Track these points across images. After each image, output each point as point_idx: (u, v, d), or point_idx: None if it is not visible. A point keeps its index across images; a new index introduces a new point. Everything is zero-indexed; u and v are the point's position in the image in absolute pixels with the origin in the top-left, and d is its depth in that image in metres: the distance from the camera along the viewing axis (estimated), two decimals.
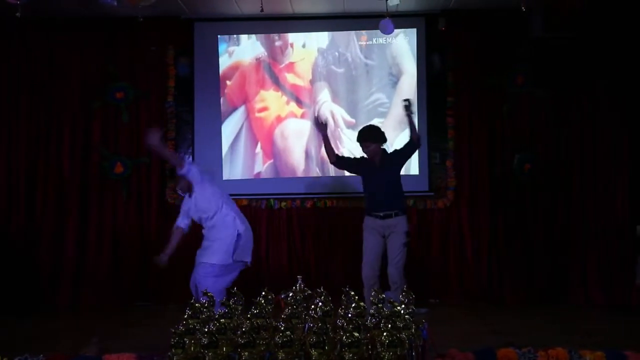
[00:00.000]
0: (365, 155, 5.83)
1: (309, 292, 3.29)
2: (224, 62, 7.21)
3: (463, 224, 7.10)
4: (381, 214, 5.70)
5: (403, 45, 7.09)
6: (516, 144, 7.08)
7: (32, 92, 7.20)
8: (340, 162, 5.95)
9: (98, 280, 7.07)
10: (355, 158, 6.02)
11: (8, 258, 6.93)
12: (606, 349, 3.39)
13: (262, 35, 7.15)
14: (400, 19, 6.88)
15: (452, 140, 7.15)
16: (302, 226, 7.21)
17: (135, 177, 7.21)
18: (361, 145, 5.79)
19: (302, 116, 7.16)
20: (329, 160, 5.99)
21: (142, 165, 7.23)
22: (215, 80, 7.28)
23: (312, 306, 3.07)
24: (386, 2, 5.27)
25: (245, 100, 7.19)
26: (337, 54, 7.09)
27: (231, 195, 7.02)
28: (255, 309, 2.99)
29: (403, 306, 2.94)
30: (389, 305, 2.97)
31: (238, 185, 7.13)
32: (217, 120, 7.27)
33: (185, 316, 2.87)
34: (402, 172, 5.94)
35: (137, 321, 6.23)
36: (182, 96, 7.31)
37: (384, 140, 5.80)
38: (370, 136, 5.77)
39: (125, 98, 7.19)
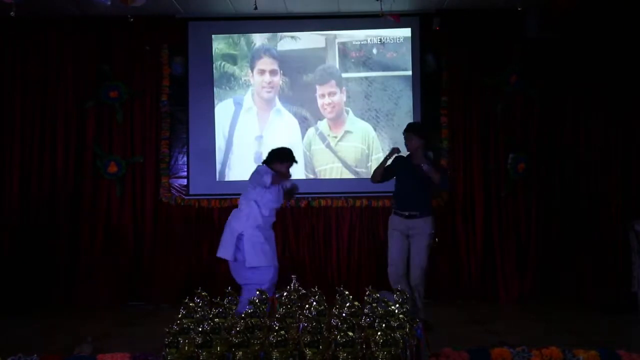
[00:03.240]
0: (406, 149, 5.77)
1: (304, 291, 3.29)
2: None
3: (457, 223, 7.10)
4: (406, 214, 5.61)
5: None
6: (510, 144, 7.10)
7: (26, 91, 7.18)
8: (386, 176, 5.77)
9: (92, 280, 7.04)
10: (393, 161, 5.80)
11: (1, 257, 6.91)
12: (600, 349, 3.40)
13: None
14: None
15: (447, 140, 7.16)
16: (296, 225, 7.21)
17: (129, 177, 7.20)
18: (405, 136, 5.74)
19: None
20: (374, 180, 5.82)
21: (136, 165, 7.21)
22: (209, 80, 7.28)
23: (307, 305, 3.07)
24: (380, 2, 5.28)
25: None
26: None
27: (228, 195, 7.09)
28: (250, 308, 2.99)
29: (397, 305, 2.95)
30: (383, 304, 2.97)
31: (233, 185, 7.12)
32: (212, 119, 7.27)
33: (180, 315, 2.87)
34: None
35: (131, 321, 6.21)
36: (177, 95, 7.30)
37: (427, 138, 5.78)
38: (415, 129, 5.77)
39: (119, 97, 7.16)
